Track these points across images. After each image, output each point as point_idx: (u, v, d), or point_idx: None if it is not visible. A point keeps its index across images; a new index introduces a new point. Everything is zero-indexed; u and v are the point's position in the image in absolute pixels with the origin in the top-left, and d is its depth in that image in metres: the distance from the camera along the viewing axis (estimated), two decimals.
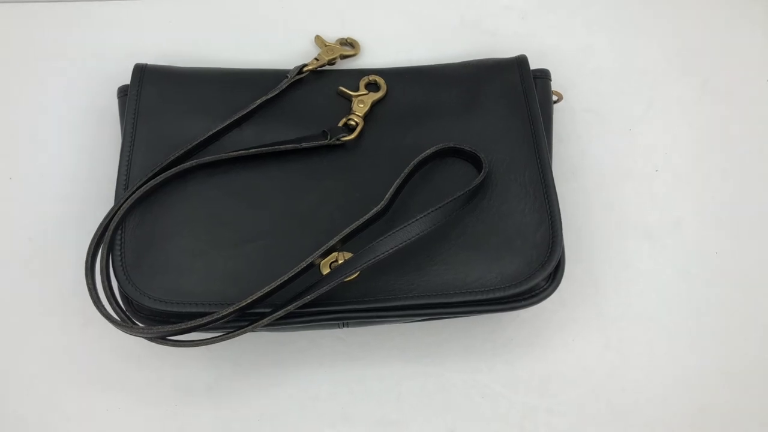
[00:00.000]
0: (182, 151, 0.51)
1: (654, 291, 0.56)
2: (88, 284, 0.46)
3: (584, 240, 0.57)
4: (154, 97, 0.54)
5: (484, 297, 0.48)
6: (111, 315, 0.46)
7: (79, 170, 0.59)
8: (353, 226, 0.48)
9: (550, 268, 0.49)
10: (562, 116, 0.61)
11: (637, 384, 0.54)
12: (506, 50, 0.60)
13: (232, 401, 0.52)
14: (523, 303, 0.49)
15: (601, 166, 0.60)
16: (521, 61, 0.57)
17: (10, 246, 0.56)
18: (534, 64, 0.58)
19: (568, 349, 0.55)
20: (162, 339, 0.46)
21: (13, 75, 0.63)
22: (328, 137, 0.53)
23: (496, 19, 0.66)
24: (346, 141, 0.53)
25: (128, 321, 0.47)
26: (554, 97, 0.58)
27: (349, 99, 0.56)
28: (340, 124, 0.54)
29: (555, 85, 0.59)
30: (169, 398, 0.52)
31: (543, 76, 0.58)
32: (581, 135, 0.61)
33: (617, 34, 0.66)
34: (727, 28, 0.66)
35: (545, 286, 0.50)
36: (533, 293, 0.49)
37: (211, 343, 0.46)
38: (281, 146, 0.52)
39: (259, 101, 0.54)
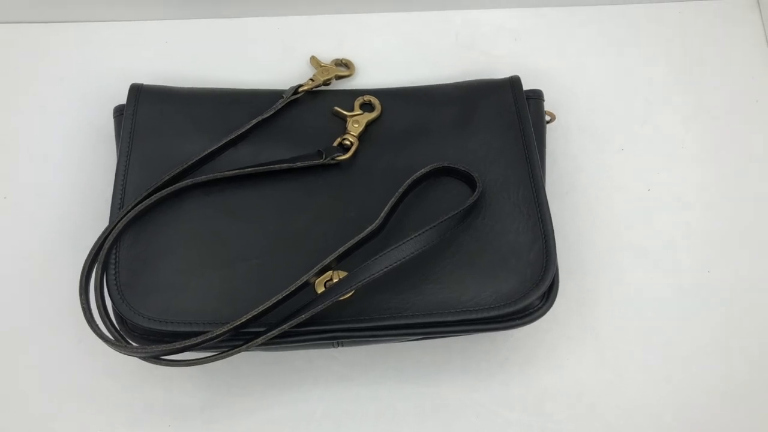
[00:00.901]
0: (177, 170, 0.51)
1: (648, 309, 0.57)
2: (82, 304, 0.46)
3: (578, 259, 0.58)
4: (150, 116, 0.55)
5: (479, 316, 0.48)
6: (105, 334, 0.46)
7: (75, 190, 0.59)
8: (348, 244, 0.48)
9: (544, 287, 0.49)
10: (555, 135, 0.62)
11: (632, 402, 0.54)
12: (500, 71, 0.61)
13: (226, 422, 0.52)
14: (517, 322, 0.49)
15: (595, 185, 0.61)
16: (514, 82, 0.58)
17: (5, 265, 0.56)
18: (527, 85, 0.58)
19: (563, 368, 0.55)
20: (156, 358, 0.45)
21: (10, 94, 0.63)
22: (323, 157, 0.53)
23: (490, 40, 0.66)
24: (340, 160, 0.53)
25: (122, 340, 0.47)
26: (547, 117, 0.59)
27: (343, 119, 0.56)
28: (335, 143, 0.54)
29: (548, 105, 0.59)
30: (163, 419, 0.52)
31: (536, 96, 0.58)
32: (575, 154, 0.62)
33: (610, 55, 0.66)
34: (720, 48, 0.67)
35: (540, 305, 0.50)
36: (528, 312, 0.49)
37: (205, 363, 0.45)
38: (276, 165, 0.52)
39: (254, 121, 0.54)
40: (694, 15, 0.68)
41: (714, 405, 0.53)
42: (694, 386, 0.54)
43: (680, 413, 0.53)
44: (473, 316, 0.48)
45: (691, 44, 0.67)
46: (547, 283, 0.49)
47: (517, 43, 0.66)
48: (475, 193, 0.50)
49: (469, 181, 0.52)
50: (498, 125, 0.55)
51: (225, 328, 0.45)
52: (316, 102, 0.58)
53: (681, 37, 0.67)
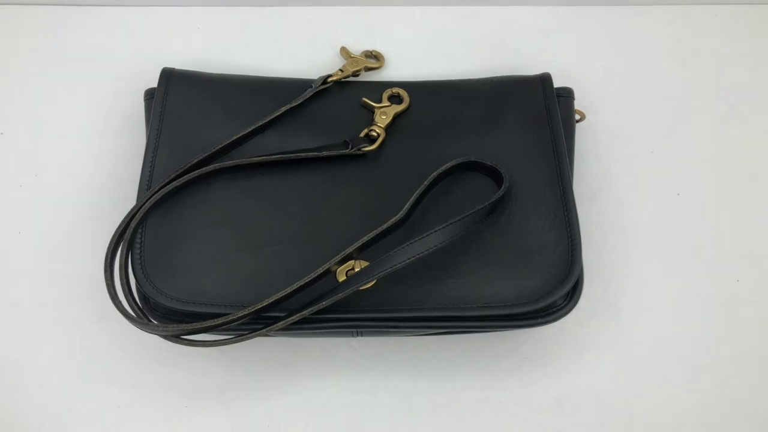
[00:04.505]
0: (205, 154, 0.52)
1: (673, 316, 0.56)
2: (106, 281, 0.47)
3: (603, 261, 0.57)
4: (180, 100, 0.55)
5: (500, 312, 0.48)
6: (127, 311, 0.46)
7: (104, 170, 0.60)
8: (371, 234, 0.48)
9: (568, 286, 0.48)
10: (584, 136, 0.61)
11: (652, 410, 0.53)
12: (530, 68, 0.60)
13: (242, 405, 0.52)
14: (539, 321, 0.48)
15: (623, 188, 0.60)
16: (545, 79, 0.57)
17: (33, 241, 0.57)
18: (557, 83, 0.58)
19: (583, 371, 0.54)
20: (176, 338, 0.46)
21: (44, 76, 0.64)
22: (350, 147, 0.53)
23: (521, 37, 0.66)
24: (367, 151, 0.53)
25: (144, 318, 0.47)
26: (577, 116, 0.58)
27: (371, 110, 0.56)
28: (362, 134, 0.54)
29: (578, 105, 0.59)
30: (180, 399, 0.52)
31: (566, 94, 0.58)
32: (603, 155, 0.61)
33: (642, 56, 0.65)
34: (754, 52, 0.65)
35: (562, 305, 0.49)
36: (550, 311, 0.49)
37: (224, 345, 0.46)
38: (303, 154, 0.52)
39: (283, 109, 0.55)
40: (729, 18, 0.67)
41: (736, 419, 0.52)
42: (716, 398, 0.53)
43: (701, 425, 0.52)
44: (495, 312, 0.47)
45: (725, 48, 0.66)
46: (571, 283, 0.48)
47: (548, 40, 0.66)
48: (502, 188, 0.50)
49: (495, 176, 0.52)
50: (527, 122, 0.55)
51: (246, 311, 0.45)
52: (345, 92, 0.58)
53: (715, 40, 0.66)
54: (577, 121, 0.58)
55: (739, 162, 0.61)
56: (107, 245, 0.48)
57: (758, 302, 0.56)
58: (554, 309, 0.49)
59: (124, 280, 0.47)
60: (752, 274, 0.57)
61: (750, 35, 0.66)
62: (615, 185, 0.60)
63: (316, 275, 0.46)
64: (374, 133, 0.54)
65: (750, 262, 0.57)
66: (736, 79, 0.64)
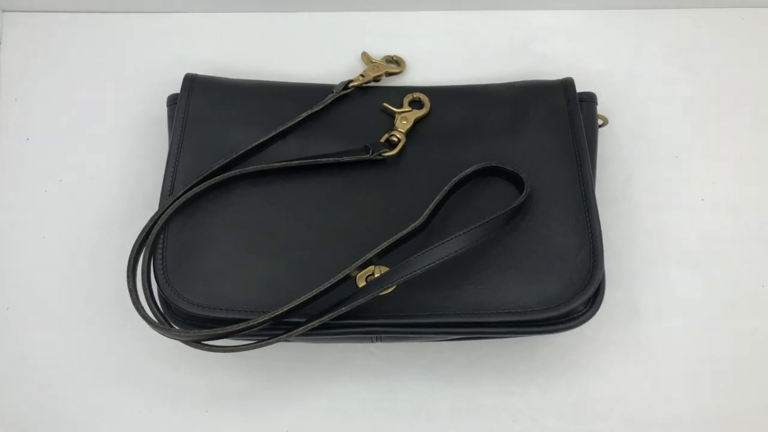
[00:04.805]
0: (227, 160, 0.52)
1: (697, 323, 0.55)
2: (129, 286, 0.47)
3: (626, 267, 0.56)
4: (202, 106, 0.56)
5: (521, 318, 0.47)
6: (149, 317, 0.47)
7: (127, 175, 0.60)
8: (391, 240, 0.48)
9: (589, 292, 0.48)
10: (607, 141, 0.60)
11: (674, 418, 0.52)
12: (553, 73, 0.60)
13: (262, 410, 0.53)
14: (560, 327, 0.48)
15: (646, 193, 0.59)
16: (567, 84, 0.57)
17: (57, 245, 0.58)
18: (580, 88, 0.57)
19: (604, 377, 0.54)
20: (197, 343, 0.46)
21: (69, 82, 0.65)
22: (370, 152, 0.53)
23: (544, 41, 0.65)
24: (387, 156, 0.53)
25: (165, 323, 0.48)
26: (599, 121, 0.58)
27: (392, 115, 0.56)
28: (382, 139, 0.54)
29: (601, 110, 0.58)
30: (200, 404, 0.53)
31: (589, 99, 0.57)
32: (626, 160, 0.61)
33: (666, 62, 0.65)
34: None
35: (584, 311, 0.49)
36: (571, 317, 0.48)
37: (245, 350, 0.46)
38: (323, 159, 0.52)
39: (304, 114, 0.55)
40: (755, 21, 0.66)
41: (762, 425, 0.51)
42: (742, 406, 0.52)
43: None
44: (515, 318, 0.47)
45: (752, 51, 0.65)
46: (592, 288, 0.48)
47: (572, 45, 0.65)
48: (523, 193, 0.50)
49: (516, 181, 0.52)
50: (549, 127, 0.54)
51: (266, 317, 0.45)
52: (366, 98, 0.58)
53: (742, 44, 0.65)
54: (600, 126, 0.58)
55: (765, 167, 0.60)
56: (130, 251, 0.49)
57: None
58: (575, 315, 0.49)
59: (146, 286, 0.48)
60: None
61: None
62: (638, 190, 0.60)
63: (336, 281, 0.46)
64: (395, 138, 0.54)
65: None
66: (763, 84, 0.63)
